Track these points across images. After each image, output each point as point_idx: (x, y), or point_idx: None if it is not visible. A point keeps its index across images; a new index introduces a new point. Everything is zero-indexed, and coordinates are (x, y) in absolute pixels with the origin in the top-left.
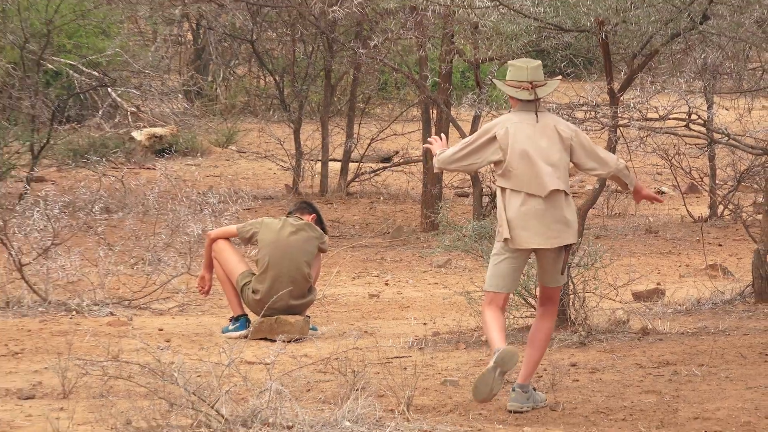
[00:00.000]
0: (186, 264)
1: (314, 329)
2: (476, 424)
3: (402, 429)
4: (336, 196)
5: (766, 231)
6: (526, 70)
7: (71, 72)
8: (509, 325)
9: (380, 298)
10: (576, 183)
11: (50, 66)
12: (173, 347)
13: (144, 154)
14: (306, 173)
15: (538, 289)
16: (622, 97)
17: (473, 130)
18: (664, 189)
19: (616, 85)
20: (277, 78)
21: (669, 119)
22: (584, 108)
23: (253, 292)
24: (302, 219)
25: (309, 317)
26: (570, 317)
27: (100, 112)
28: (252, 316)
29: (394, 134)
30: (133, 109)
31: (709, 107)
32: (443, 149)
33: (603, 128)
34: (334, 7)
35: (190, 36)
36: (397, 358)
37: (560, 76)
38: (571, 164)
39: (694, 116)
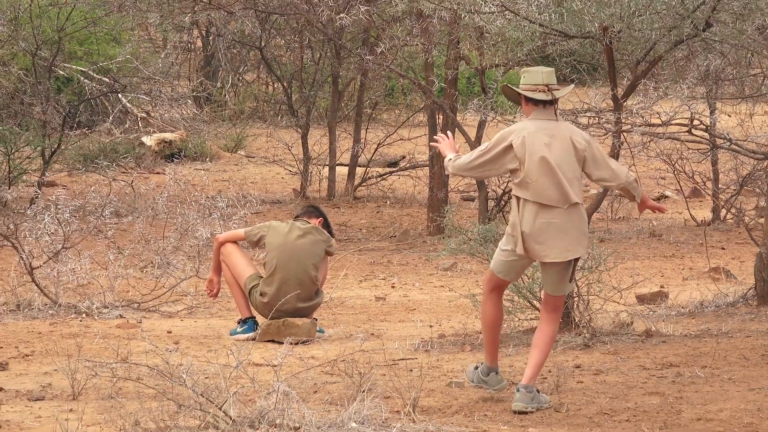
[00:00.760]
0: (195, 267)
1: (321, 331)
2: (481, 425)
3: (408, 430)
4: (343, 200)
5: None
6: (541, 74)
7: (82, 78)
8: (514, 327)
9: (387, 300)
10: None
11: (61, 72)
12: (182, 349)
13: (154, 159)
14: (314, 178)
15: (543, 292)
16: (625, 103)
17: (478, 135)
18: (668, 193)
19: (620, 91)
20: (285, 84)
21: (672, 125)
22: (588, 114)
23: (261, 294)
24: (309, 223)
25: (316, 320)
26: (574, 320)
27: (110, 118)
28: (260, 319)
29: (401, 139)
30: (143, 114)
31: (712, 113)
32: (457, 155)
33: (606, 134)
34: (342, 14)
35: (199, 43)
36: (403, 360)
37: (572, 84)
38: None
39: (696, 122)
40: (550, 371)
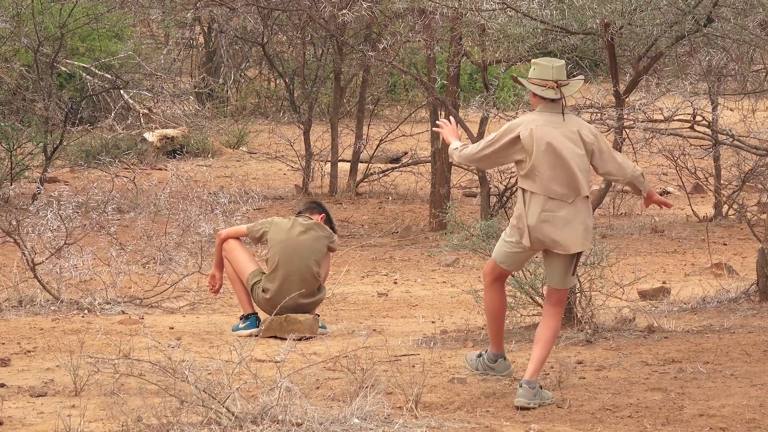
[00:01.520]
0: (197, 263)
1: (323, 327)
2: (484, 421)
3: (410, 426)
4: (345, 196)
5: None
6: (551, 69)
7: (84, 74)
8: (516, 323)
9: (389, 296)
10: None
11: (63, 69)
12: (184, 345)
13: (156, 155)
14: (316, 174)
15: (545, 288)
16: (627, 99)
17: (480, 131)
18: (670, 189)
19: (622, 87)
20: (287, 80)
21: (674, 120)
22: (590, 110)
23: (263, 291)
24: (312, 219)
25: (318, 316)
26: (576, 315)
27: (112, 114)
28: (262, 315)
29: (403, 135)
30: (145, 110)
31: (714, 109)
32: (464, 144)
33: (608, 130)
34: (344, 11)
35: (201, 39)
36: (405, 356)
37: (582, 76)
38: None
39: (698, 118)
40: (552, 367)
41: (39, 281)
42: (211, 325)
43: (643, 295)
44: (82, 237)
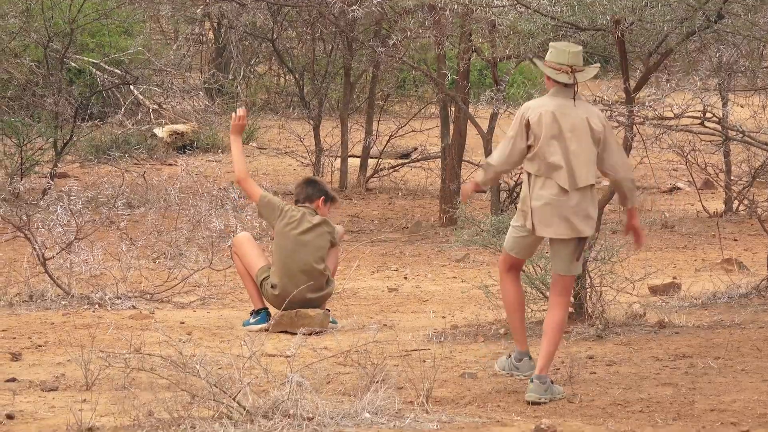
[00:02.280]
0: (207, 258)
1: (334, 322)
2: (494, 416)
3: (421, 421)
4: (355, 191)
5: None
6: (567, 54)
7: (94, 70)
8: (527, 318)
9: (399, 291)
10: None
11: (73, 64)
12: (195, 340)
13: (165, 151)
14: (326, 169)
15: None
16: (638, 96)
17: (491, 127)
18: (680, 185)
19: (632, 84)
20: (297, 76)
21: (684, 117)
22: (600, 107)
23: (272, 287)
24: (317, 212)
25: (329, 311)
26: (587, 310)
27: (122, 110)
28: (272, 310)
29: (413, 131)
30: (155, 106)
31: (724, 105)
32: (486, 162)
33: (618, 126)
34: (354, 6)
35: (211, 35)
36: (416, 350)
37: (598, 64)
38: None
39: (708, 114)
40: (563, 362)
41: (50, 276)
42: (222, 320)
43: (654, 290)
44: (93, 232)
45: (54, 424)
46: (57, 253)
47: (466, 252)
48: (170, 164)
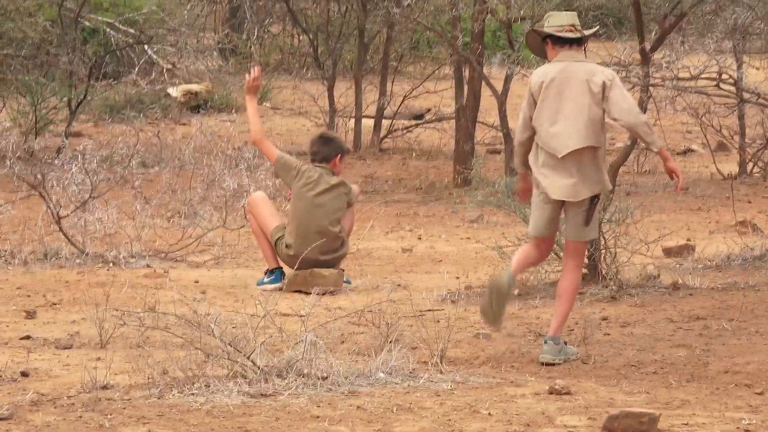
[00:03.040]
0: (221, 218)
1: (348, 282)
2: (508, 376)
3: (435, 380)
4: (369, 152)
5: None
6: (565, 16)
7: (108, 29)
8: (542, 279)
9: (413, 252)
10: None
11: (87, 23)
12: (209, 299)
13: (179, 110)
14: (340, 130)
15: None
16: (653, 57)
17: (505, 88)
18: (694, 147)
19: (647, 45)
20: (311, 36)
21: (700, 79)
22: (616, 68)
23: (287, 246)
24: (334, 172)
25: (343, 270)
26: (601, 272)
27: (136, 69)
28: (287, 270)
29: (427, 92)
30: (169, 66)
31: (739, 67)
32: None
33: (633, 87)
34: None
35: None
36: (430, 311)
37: (597, 27)
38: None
39: (724, 76)
40: (577, 323)
41: (64, 234)
42: (236, 279)
43: (668, 252)
44: (107, 191)
45: (68, 381)
46: (72, 212)
47: (480, 213)
48: (184, 124)
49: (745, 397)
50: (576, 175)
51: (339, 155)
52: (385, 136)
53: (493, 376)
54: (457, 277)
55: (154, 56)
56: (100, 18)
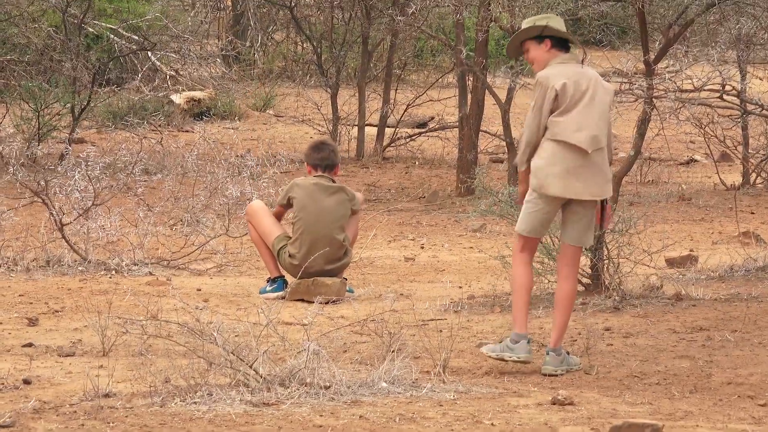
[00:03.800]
0: (224, 225)
1: (351, 291)
2: (511, 386)
3: (438, 390)
4: (372, 160)
5: None
6: (563, 22)
7: (112, 36)
8: (544, 289)
9: (416, 261)
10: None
11: (91, 30)
12: (211, 307)
13: (183, 117)
14: (342, 138)
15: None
16: (656, 68)
17: (509, 97)
18: (697, 157)
19: (652, 56)
20: (314, 44)
21: (703, 90)
22: (619, 80)
23: (290, 256)
24: (333, 180)
25: (346, 279)
26: (604, 282)
27: (139, 76)
28: (289, 278)
29: (430, 100)
30: (172, 72)
31: (743, 77)
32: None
33: (637, 99)
34: None
35: (229, 1)
36: (432, 320)
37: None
38: None
39: (728, 87)
40: (579, 333)
41: (67, 242)
42: (239, 287)
43: (671, 262)
44: (110, 198)
45: (70, 389)
46: (74, 219)
47: (483, 222)
48: (187, 131)
49: (748, 409)
50: (592, 174)
51: (337, 166)
52: (388, 145)
53: (496, 386)
54: (460, 287)
55: (158, 63)
56: (103, 24)
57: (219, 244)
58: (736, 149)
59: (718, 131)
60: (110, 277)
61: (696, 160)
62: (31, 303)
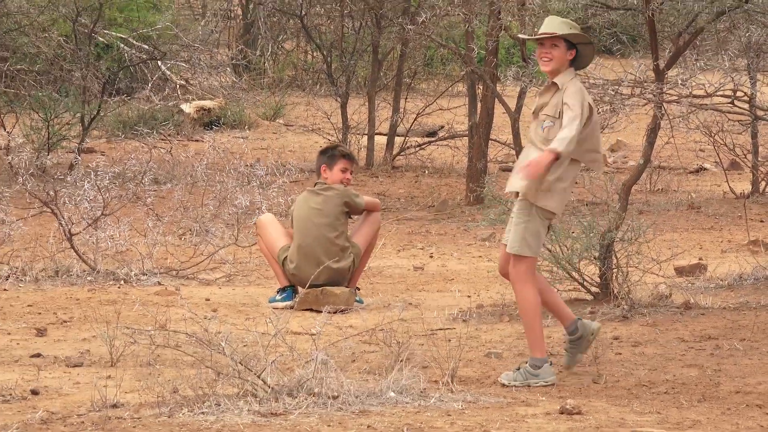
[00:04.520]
0: (233, 235)
1: (360, 301)
2: (519, 396)
3: (446, 400)
4: (382, 169)
5: None
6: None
7: (122, 45)
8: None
9: (425, 270)
10: (619, 159)
11: (101, 39)
12: (220, 317)
13: (192, 127)
14: (352, 147)
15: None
16: (667, 74)
17: (518, 105)
18: (706, 165)
19: (661, 63)
20: (324, 53)
21: (715, 96)
22: (630, 85)
23: (290, 262)
24: (326, 182)
25: (358, 289)
26: (613, 291)
27: (149, 85)
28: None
29: (440, 109)
30: (182, 82)
31: (753, 85)
32: (559, 141)
33: (646, 104)
34: None
35: (239, 11)
36: (441, 330)
37: None
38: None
39: (739, 93)
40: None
41: (76, 251)
42: (247, 297)
43: (680, 271)
44: (119, 208)
45: (78, 400)
46: (83, 229)
47: (492, 231)
48: (197, 140)
49: (756, 418)
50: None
51: (323, 165)
52: (398, 154)
53: (504, 396)
54: (469, 296)
55: (168, 72)
56: (114, 33)
57: (228, 253)
58: (745, 157)
59: (727, 139)
60: (119, 287)
61: (705, 169)
62: (40, 313)
